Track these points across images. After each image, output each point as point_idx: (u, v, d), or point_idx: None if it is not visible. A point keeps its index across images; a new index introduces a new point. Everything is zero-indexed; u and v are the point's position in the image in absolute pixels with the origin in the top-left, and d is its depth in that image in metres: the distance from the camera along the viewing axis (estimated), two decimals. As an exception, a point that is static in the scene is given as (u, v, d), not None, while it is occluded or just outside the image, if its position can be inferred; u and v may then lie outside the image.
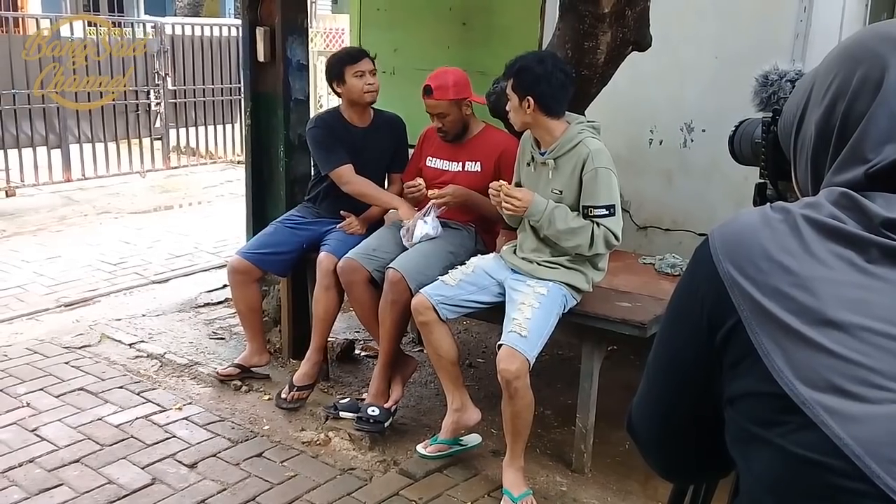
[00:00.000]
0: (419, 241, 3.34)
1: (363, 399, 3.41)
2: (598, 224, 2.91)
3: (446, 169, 3.47)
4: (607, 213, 2.91)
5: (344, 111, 3.70)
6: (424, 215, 3.36)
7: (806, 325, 0.75)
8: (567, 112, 3.04)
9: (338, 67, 3.59)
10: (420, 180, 3.41)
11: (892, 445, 0.70)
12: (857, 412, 0.71)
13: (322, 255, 3.51)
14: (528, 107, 2.94)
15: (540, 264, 3.01)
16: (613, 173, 2.95)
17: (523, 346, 2.80)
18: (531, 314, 2.86)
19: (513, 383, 2.81)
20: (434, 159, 3.52)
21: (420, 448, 3.17)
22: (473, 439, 3.23)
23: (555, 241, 2.96)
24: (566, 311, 3.00)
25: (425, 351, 4.15)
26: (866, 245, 0.77)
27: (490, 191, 3.03)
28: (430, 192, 3.35)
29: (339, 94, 3.69)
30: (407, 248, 3.35)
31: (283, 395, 3.53)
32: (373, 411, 3.24)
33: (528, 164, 3.10)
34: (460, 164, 3.44)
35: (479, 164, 3.40)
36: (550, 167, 2.99)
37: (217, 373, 3.79)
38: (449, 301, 3.03)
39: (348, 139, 3.64)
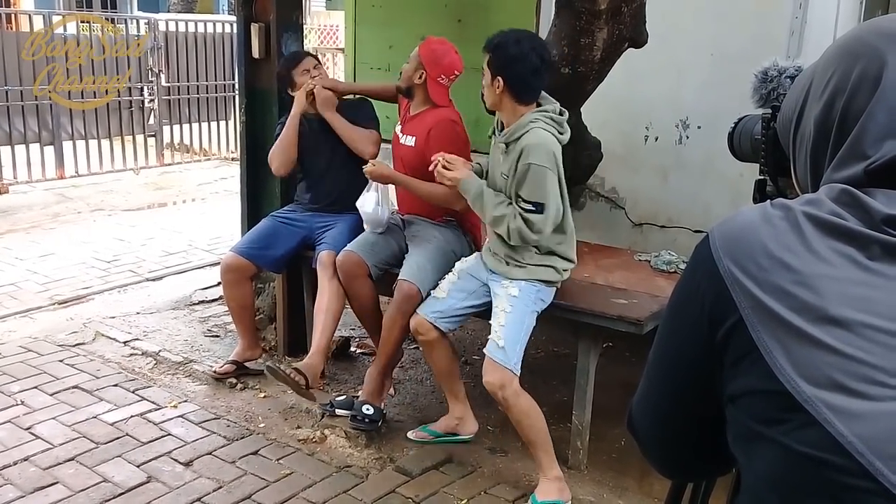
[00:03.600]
0: (371, 222, 3.39)
1: (358, 396, 3.41)
2: (516, 215, 2.83)
3: (402, 142, 3.49)
4: (534, 209, 2.82)
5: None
6: (367, 191, 3.41)
7: (808, 323, 0.75)
8: (545, 96, 2.93)
9: (286, 73, 3.75)
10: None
11: (894, 442, 0.70)
12: (860, 409, 0.71)
13: (323, 253, 3.49)
14: (498, 87, 2.85)
15: (509, 263, 2.96)
16: (549, 170, 2.81)
17: (501, 357, 2.80)
18: (504, 320, 2.84)
19: (498, 394, 2.83)
20: (399, 126, 3.54)
21: (410, 434, 3.26)
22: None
23: (482, 213, 2.95)
24: (547, 304, 2.97)
25: (421, 349, 4.15)
26: (868, 242, 0.77)
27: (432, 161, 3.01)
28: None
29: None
30: (409, 248, 3.35)
31: (283, 368, 3.35)
32: (367, 409, 3.23)
33: (491, 141, 3.06)
34: (406, 137, 3.46)
35: (414, 139, 3.40)
36: (501, 150, 2.94)
37: (214, 371, 3.78)
38: (444, 314, 3.04)
39: (307, 131, 3.72)
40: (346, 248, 3.40)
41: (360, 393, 3.46)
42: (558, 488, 2.89)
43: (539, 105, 2.92)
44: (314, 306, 3.54)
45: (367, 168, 3.31)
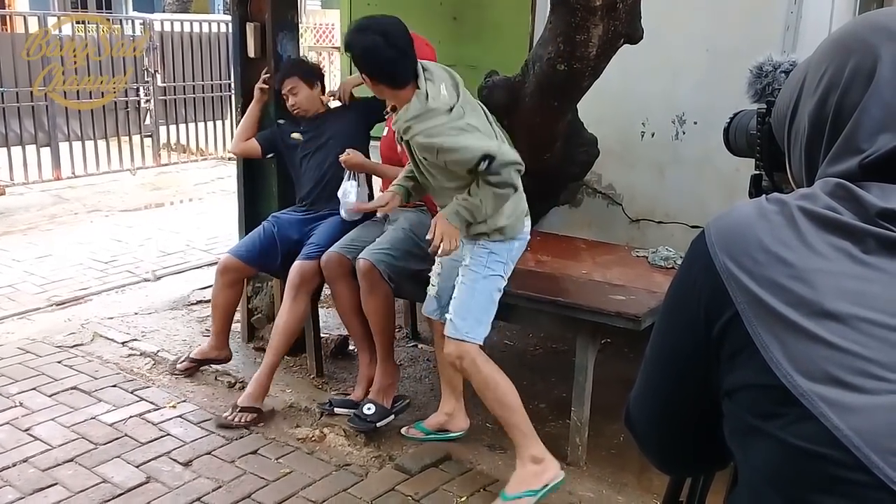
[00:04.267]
0: (351, 209, 3.45)
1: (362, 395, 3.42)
2: (480, 186, 2.69)
3: (382, 134, 3.58)
4: (486, 162, 2.63)
5: None
6: (346, 180, 3.48)
7: (804, 317, 0.75)
8: (425, 67, 2.75)
9: (277, 84, 3.82)
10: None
11: (891, 436, 0.70)
12: (856, 403, 0.71)
13: (295, 265, 3.47)
14: (370, 83, 2.77)
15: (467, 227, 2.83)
16: (463, 130, 2.66)
17: (451, 330, 2.80)
18: (458, 293, 2.83)
19: (456, 364, 2.85)
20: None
21: (404, 430, 3.28)
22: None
23: (490, 217, 2.76)
24: (509, 261, 2.85)
25: (420, 346, 4.17)
26: (863, 236, 0.77)
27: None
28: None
29: None
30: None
31: (232, 420, 3.35)
32: (368, 409, 3.24)
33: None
34: (384, 129, 3.53)
35: (387, 128, 3.46)
36: (410, 141, 2.80)
37: (176, 369, 3.81)
38: (442, 307, 3.04)
39: (306, 123, 3.80)
40: (329, 250, 3.41)
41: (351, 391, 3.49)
42: (533, 473, 2.79)
43: (418, 78, 2.74)
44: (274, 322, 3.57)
45: (342, 157, 3.37)
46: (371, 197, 3.53)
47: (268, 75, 3.89)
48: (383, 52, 2.69)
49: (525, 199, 2.91)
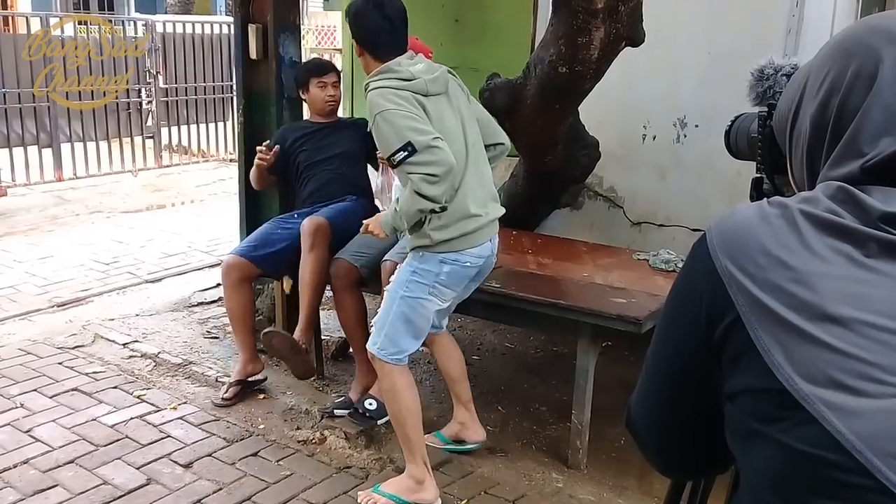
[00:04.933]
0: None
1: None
2: (405, 186, 2.63)
3: None
4: (405, 153, 2.55)
5: (310, 117, 3.95)
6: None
7: (805, 321, 0.75)
8: (420, 57, 2.80)
9: (304, 76, 3.82)
10: None
11: (893, 440, 0.70)
12: (857, 407, 0.71)
13: (305, 221, 3.48)
14: (360, 52, 2.79)
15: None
16: (391, 109, 2.59)
17: (369, 339, 2.84)
18: (382, 304, 2.83)
19: (371, 363, 2.88)
20: None
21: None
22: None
23: (413, 222, 2.68)
24: (435, 275, 2.72)
25: (421, 349, 4.15)
26: (864, 239, 0.77)
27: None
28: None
29: (304, 101, 3.91)
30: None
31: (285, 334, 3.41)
32: (370, 404, 3.25)
33: None
34: None
35: None
36: None
37: (222, 399, 3.59)
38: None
39: (311, 134, 3.82)
40: (336, 256, 3.40)
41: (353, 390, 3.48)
42: (407, 487, 2.78)
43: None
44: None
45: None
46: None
47: (265, 147, 3.73)
48: (372, 18, 2.76)
49: (475, 221, 2.73)
